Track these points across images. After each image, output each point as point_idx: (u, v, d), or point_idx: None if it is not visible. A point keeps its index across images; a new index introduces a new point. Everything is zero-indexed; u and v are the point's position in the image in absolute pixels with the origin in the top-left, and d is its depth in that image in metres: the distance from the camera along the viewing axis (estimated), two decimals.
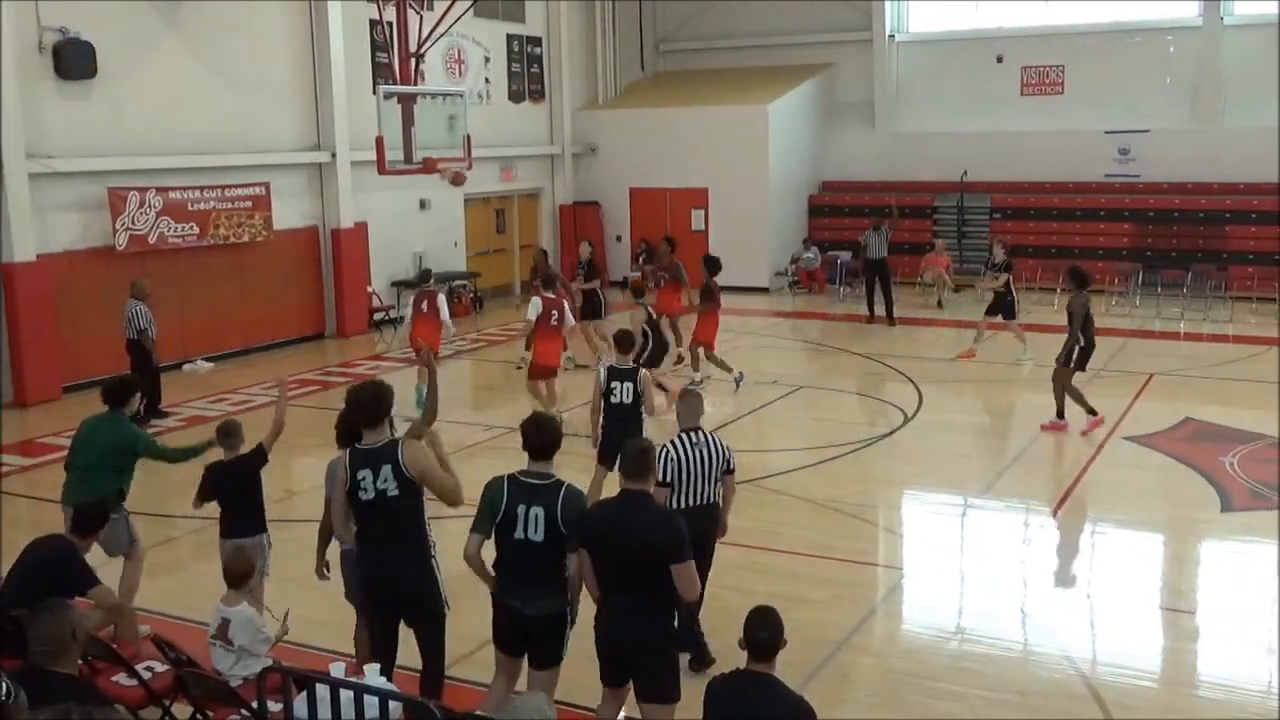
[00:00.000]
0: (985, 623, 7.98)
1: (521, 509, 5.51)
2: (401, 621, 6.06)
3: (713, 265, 15.01)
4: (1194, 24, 22.30)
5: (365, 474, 5.71)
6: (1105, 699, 6.76)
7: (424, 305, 14.05)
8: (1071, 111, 23.24)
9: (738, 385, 14.67)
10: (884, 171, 24.62)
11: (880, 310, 19.74)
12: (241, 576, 6.27)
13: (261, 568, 7.06)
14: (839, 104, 25.42)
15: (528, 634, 5.70)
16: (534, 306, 13.00)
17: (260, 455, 7.32)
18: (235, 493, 7.30)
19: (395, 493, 5.70)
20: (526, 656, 5.82)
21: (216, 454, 7.54)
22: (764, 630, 4.76)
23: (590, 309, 16.36)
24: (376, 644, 6.12)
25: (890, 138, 24.73)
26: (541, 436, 5.63)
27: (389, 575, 5.87)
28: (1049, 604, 8.42)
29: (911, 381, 15.14)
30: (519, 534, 5.52)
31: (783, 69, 24.96)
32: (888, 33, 24.60)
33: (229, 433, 7.41)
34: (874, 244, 19.61)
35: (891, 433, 12.83)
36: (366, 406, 5.81)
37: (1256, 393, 14.51)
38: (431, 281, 14.93)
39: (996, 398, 15.00)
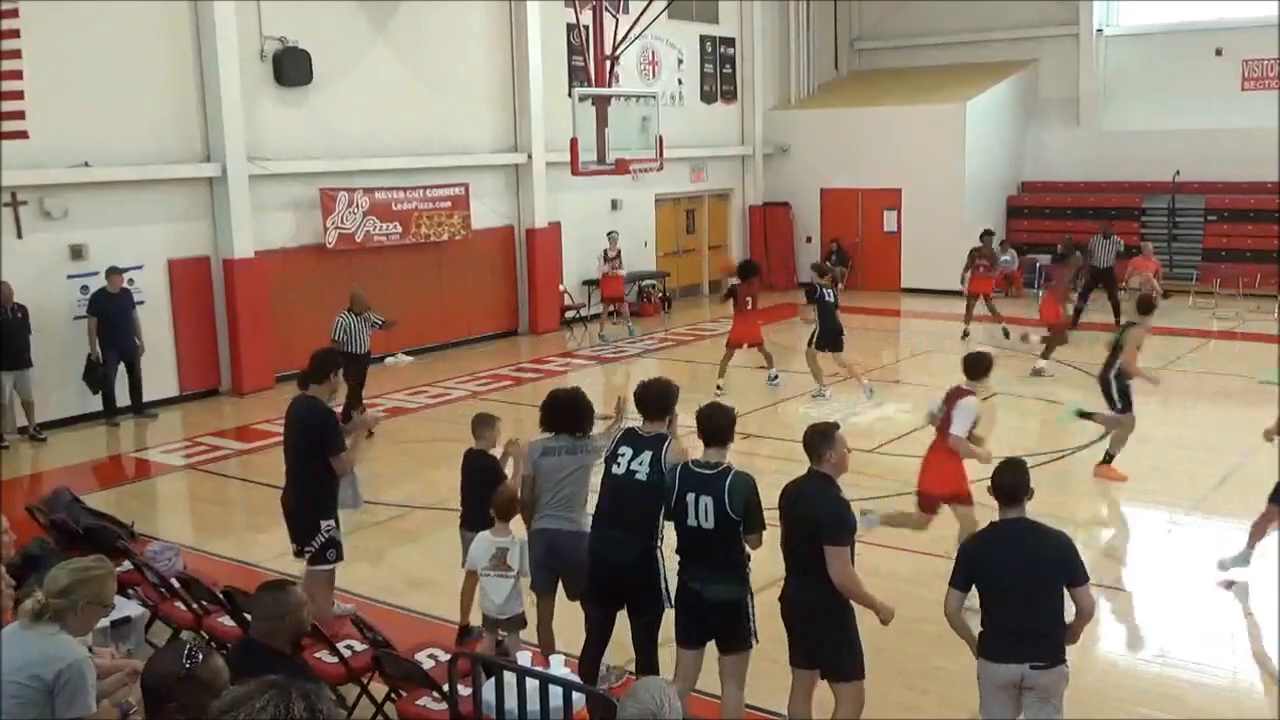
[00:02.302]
0: (1189, 647, 7.58)
1: (691, 497, 5.65)
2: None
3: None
4: None
5: (626, 451, 6.07)
6: None
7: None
8: None
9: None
10: (1088, 171, 23.62)
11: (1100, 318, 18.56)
12: (509, 509, 6.63)
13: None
14: (1041, 101, 24.54)
15: (706, 619, 5.79)
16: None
17: (500, 474, 7.42)
18: (477, 484, 7.38)
19: (643, 478, 5.96)
20: (710, 646, 5.90)
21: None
22: (1009, 475, 5.30)
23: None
24: (590, 630, 6.32)
25: (1096, 136, 23.69)
26: (711, 423, 5.81)
27: (615, 560, 6.06)
28: (1260, 630, 7.93)
29: None
30: (692, 521, 5.67)
31: (981, 66, 24.26)
32: (1096, 27, 23.59)
33: (480, 423, 7.64)
34: (1101, 251, 18.68)
35: (1091, 444, 12.30)
36: (650, 399, 6.23)
37: None
38: (611, 238, 19.48)
39: (1208, 410, 14.21)
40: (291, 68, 15.91)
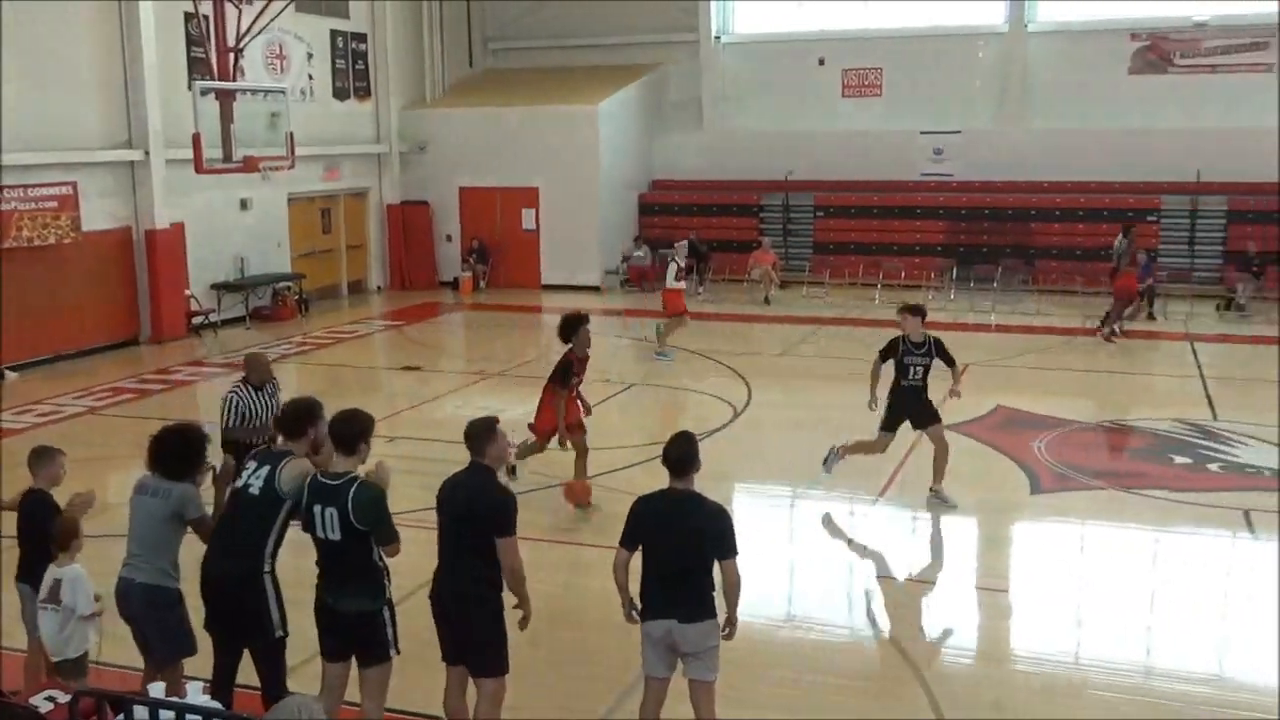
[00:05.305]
0: (815, 609, 8.23)
1: (318, 509, 5.58)
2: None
3: None
4: (1000, 29, 23.41)
5: (251, 465, 5.88)
6: (925, 675, 7.04)
7: None
8: (889, 113, 24.10)
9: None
10: (712, 170, 25.03)
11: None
12: (69, 537, 6.00)
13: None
14: (668, 103, 25.73)
15: (342, 632, 5.70)
16: None
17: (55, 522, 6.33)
18: (39, 530, 6.35)
19: (255, 492, 5.74)
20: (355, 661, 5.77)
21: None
22: (678, 447, 5.69)
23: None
24: (215, 658, 5.92)
25: (718, 137, 25.15)
26: (343, 429, 5.70)
27: (218, 577, 5.77)
28: (874, 588, 8.71)
29: (741, 377, 15.44)
30: (320, 533, 5.61)
31: (613, 69, 25.11)
32: (714, 34, 25.02)
33: (37, 457, 6.58)
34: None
35: (722, 428, 13.04)
36: (286, 419, 6.03)
37: (1064, 380, 15.36)
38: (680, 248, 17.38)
39: (823, 392, 15.43)
40: None
